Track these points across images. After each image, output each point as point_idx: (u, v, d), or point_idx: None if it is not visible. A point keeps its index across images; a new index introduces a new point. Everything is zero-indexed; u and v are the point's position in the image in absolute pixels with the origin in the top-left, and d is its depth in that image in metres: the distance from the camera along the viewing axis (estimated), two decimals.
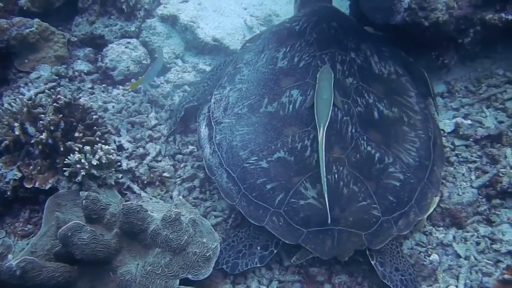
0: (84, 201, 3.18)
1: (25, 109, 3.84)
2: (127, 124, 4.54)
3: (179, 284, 3.07)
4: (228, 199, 3.60)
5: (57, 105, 3.82)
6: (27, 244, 3.52)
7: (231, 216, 3.85)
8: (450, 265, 3.56)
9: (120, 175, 4.00)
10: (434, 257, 3.57)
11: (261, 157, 3.56)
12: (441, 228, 3.79)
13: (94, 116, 4.08)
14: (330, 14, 4.36)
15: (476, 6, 4.15)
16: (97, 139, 3.94)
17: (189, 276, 3.11)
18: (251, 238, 3.55)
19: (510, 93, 4.37)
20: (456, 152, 4.15)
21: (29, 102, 3.89)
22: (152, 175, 4.11)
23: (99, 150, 3.77)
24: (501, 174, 3.85)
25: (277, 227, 3.38)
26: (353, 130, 3.59)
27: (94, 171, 3.74)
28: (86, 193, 3.23)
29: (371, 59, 4.04)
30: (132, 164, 4.13)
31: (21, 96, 4.31)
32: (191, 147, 4.37)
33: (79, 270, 3.04)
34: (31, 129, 3.81)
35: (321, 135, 3.36)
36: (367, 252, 3.41)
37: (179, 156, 4.36)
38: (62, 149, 3.76)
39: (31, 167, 3.81)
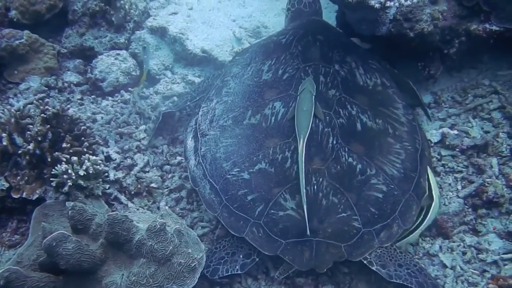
0: (70, 211, 3.18)
1: (13, 120, 3.84)
2: (115, 135, 4.55)
3: None
4: (210, 210, 3.63)
5: (45, 115, 3.82)
6: (14, 254, 3.51)
7: (218, 227, 3.86)
8: (436, 275, 3.57)
9: (108, 186, 4.01)
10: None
11: (243, 168, 3.59)
12: (428, 238, 3.81)
13: (82, 127, 4.08)
14: (317, 27, 4.41)
15: (461, 17, 4.22)
16: (85, 149, 3.94)
17: (174, 287, 3.09)
18: (234, 247, 3.56)
19: (496, 103, 4.43)
20: (443, 162, 4.19)
21: (17, 112, 3.90)
22: (139, 186, 4.12)
23: (86, 161, 3.78)
24: (487, 184, 3.88)
25: (256, 238, 3.41)
26: (334, 142, 3.60)
27: (81, 182, 3.74)
28: (72, 203, 3.21)
29: (356, 71, 4.05)
30: (120, 174, 4.14)
31: (9, 107, 4.32)
32: (179, 158, 4.38)
33: (64, 280, 3.02)
34: (19, 140, 3.80)
35: (301, 146, 3.39)
36: (365, 262, 3.39)
37: (167, 167, 4.37)
38: (49, 159, 3.76)
39: (18, 177, 3.81)
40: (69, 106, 4.42)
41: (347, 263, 3.56)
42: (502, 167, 4.03)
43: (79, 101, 4.97)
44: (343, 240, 3.34)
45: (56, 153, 3.77)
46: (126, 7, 5.35)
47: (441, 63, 4.50)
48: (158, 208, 4.04)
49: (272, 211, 3.41)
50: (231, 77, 4.22)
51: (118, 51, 5.26)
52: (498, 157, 4.08)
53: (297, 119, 3.56)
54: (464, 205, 3.88)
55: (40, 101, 4.01)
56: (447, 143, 4.23)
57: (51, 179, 3.73)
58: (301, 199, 3.30)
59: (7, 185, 3.81)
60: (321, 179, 3.44)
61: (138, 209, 3.94)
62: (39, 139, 3.76)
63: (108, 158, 4.26)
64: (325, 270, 3.32)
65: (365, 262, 3.38)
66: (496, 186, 3.84)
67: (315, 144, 3.57)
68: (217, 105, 4.03)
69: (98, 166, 3.85)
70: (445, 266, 3.64)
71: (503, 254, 3.64)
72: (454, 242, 3.77)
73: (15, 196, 3.79)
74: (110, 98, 5.04)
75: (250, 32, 5.77)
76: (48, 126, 3.82)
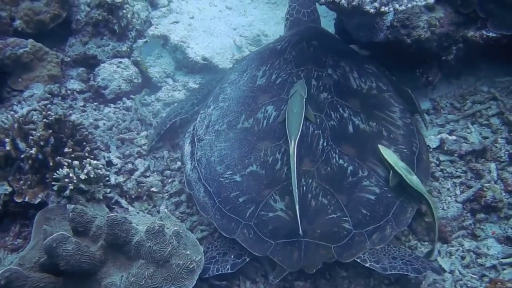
0: (70, 213, 3.22)
1: (16, 125, 3.90)
2: (117, 141, 4.61)
3: None
4: (204, 212, 3.69)
5: (47, 121, 3.89)
6: (16, 258, 3.55)
7: (217, 231, 3.86)
8: (434, 279, 3.57)
9: (109, 190, 4.05)
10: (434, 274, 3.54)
11: (235, 171, 3.65)
12: (426, 243, 3.82)
13: (84, 132, 4.15)
14: (312, 34, 4.46)
15: (458, 24, 4.28)
16: (86, 154, 3.99)
17: None
18: (226, 247, 3.60)
19: (495, 109, 4.46)
20: (441, 167, 4.21)
21: (20, 118, 3.96)
22: (140, 190, 4.17)
23: (87, 165, 3.83)
24: (485, 189, 3.90)
25: (247, 239, 3.44)
26: (325, 144, 3.63)
27: (82, 186, 3.79)
28: (73, 205, 3.26)
29: (349, 75, 4.07)
30: (121, 179, 4.19)
31: (12, 113, 4.39)
32: (179, 163, 4.42)
33: (64, 281, 3.05)
34: (22, 145, 3.86)
35: (293, 148, 3.43)
36: (358, 260, 3.40)
37: (167, 172, 4.42)
38: (51, 164, 3.82)
39: (21, 181, 3.85)
40: (71, 112, 4.47)
41: (344, 266, 3.60)
42: (500, 172, 4.06)
43: (81, 108, 5.04)
44: (333, 241, 3.36)
45: (58, 157, 3.83)
46: (128, 16, 5.42)
47: (439, 70, 4.55)
48: (158, 212, 4.08)
49: (263, 212, 3.45)
50: (228, 83, 4.29)
51: (120, 59, 5.33)
52: (497, 162, 4.11)
53: (288, 122, 3.60)
54: (462, 210, 3.90)
55: (43, 107, 4.06)
56: (445, 148, 4.25)
57: (53, 183, 3.77)
58: (292, 200, 3.34)
59: (10, 189, 3.86)
60: (310, 180, 3.48)
61: (138, 213, 3.98)
62: (42, 144, 3.81)
63: (109, 163, 4.32)
64: (314, 270, 3.32)
65: (358, 260, 3.39)
66: (494, 191, 3.86)
67: (305, 146, 3.61)
68: (214, 110, 4.10)
69: (99, 171, 3.90)
70: (443, 270, 3.63)
71: (502, 258, 3.65)
72: (453, 246, 3.78)
73: (18, 200, 3.83)
74: (112, 105, 5.10)
75: (250, 40, 5.84)
76: (51, 131, 3.88)
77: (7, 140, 3.84)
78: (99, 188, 3.94)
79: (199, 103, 4.60)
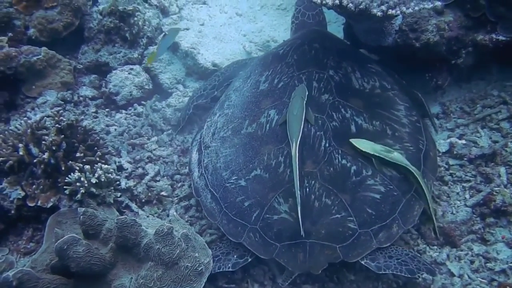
0: (81, 216, 3.26)
1: (29, 131, 3.97)
2: (127, 146, 4.67)
3: None
4: (211, 218, 3.73)
5: (60, 126, 3.95)
6: (28, 261, 3.60)
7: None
8: (443, 283, 3.56)
9: (119, 194, 4.10)
10: (427, 275, 3.53)
11: (240, 176, 3.68)
12: (435, 247, 3.80)
13: (96, 137, 4.22)
14: (314, 36, 4.47)
15: (467, 28, 4.27)
16: (98, 159, 4.05)
17: None
18: (230, 248, 3.64)
19: (505, 113, 4.43)
20: (451, 171, 4.19)
21: (34, 124, 4.03)
22: (150, 194, 4.21)
23: (98, 169, 3.88)
24: (495, 193, 3.87)
25: (253, 243, 3.47)
26: (327, 145, 3.64)
27: (93, 189, 3.84)
28: (84, 208, 3.31)
29: (351, 75, 4.07)
30: (131, 183, 4.24)
31: (25, 119, 4.47)
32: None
33: (75, 283, 3.11)
34: (34, 150, 3.92)
35: (294, 150, 3.45)
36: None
37: (177, 177, 4.46)
38: (63, 168, 3.88)
39: (34, 186, 3.92)
40: (82, 117, 4.53)
41: (353, 270, 3.62)
42: (510, 176, 4.02)
43: (93, 114, 5.11)
44: (338, 241, 3.36)
45: (70, 162, 3.89)
46: (140, 23, 5.50)
47: (449, 74, 4.53)
48: (168, 215, 4.11)
49: (267, 215, 3.47)
50: (233, 91, 4.35)
51: (131, 66, 5.40)
52: (507, 167, 4.07)
53: (288, 124, 3.62)
54: (472, 214, 3.88)
55: (55, 112, 4.13)
56: (455, 152, 4.23)
57: (64, 187, 3.84)
58: (294, 202, 3.37)
59: (23, 193, 3.92)
60: (313, 182, 3.49)
61: (148, 216, 4.01)
62: (54, 148, 3.88)
63: (120, 168, 4.37)
64: (320, 271, 3.33)
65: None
66: (504, 195, 3.83)
67: (307, 147, 3.63)
68: (219, 118, 4.15)
69: (110, 175, 3.96)
70: (452, 274, 3.62)
71: (511, 263, 3.62)
72: (462, 250, 3.75)
73: (31, 204, 3.90)
74: (123, 111, 5.17)
75: (260, 46, 5.88)
76: (63, 136, 3.94)
77: (20, 145, 3.91)
78: (110, 192, 4.00)
79: (219, 86, 4.74)
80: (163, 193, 4.24)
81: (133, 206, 4.12)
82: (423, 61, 4.41)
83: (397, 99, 4.08)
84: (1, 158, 3.90)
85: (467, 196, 4.01)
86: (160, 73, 5.45)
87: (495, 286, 3.50)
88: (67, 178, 3.81)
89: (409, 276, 3.37)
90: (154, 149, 4.66)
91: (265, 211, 3.48)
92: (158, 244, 3.14)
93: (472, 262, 3.68)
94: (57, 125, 3.96)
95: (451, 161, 4.24)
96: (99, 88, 5.40)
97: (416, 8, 3.36)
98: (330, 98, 3.89)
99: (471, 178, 4.12)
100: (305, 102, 3.73)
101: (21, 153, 3.89)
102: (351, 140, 3.63)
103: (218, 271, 3.49)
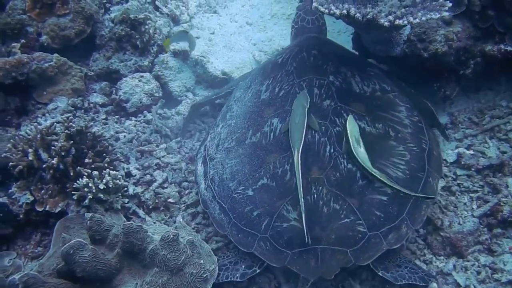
0: (88, 222, 3.30)
1: (39, 136, 4.02)
2: (136, 153, 4.70)
3: None
4: (220, 229, 3.74)
5: (69, 132, 4.00)
6: (36, 265, 3.64)
7: (232, 242, 3.90)
8: None
9: (127, 200, 4.13)
10: (433, 285, 3.52)
11: (247, 186, 3.68)
12: (442, 257, 3.79)
13: (105, 144, 4.26)
14: (312, 43, 4.48)
15: (476, 38, 4.27)
16: (106, 165, 4.09)
17: None
18: (238, 258, 3.66)
19: None
20: (458, 181, 4.17)
21: (43, 130, 4.08)
22: (157, 201, 4.23)
23: (106, 175, 3.92)
24: (502, 204, 3.85)
25: (264, 252, 3.48)
26: (332, 150, 3.65)
27: (101, 195, 3.88)
28: (91, 214, 3.35)
29: (351, 80, 4.08)
30: (139, 189, 4.27)
31: (35, 124, 4.53)
32: None
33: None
34: (44, 155, 3.97)
35: (296, 157, 3.45)
36: (371, 265, 3.43)
37: (185, 184, 4.47)
38: (72, 174, 3.92)
39: (42, 191, 3.96)
40: (92, 124, 4.57)
41: (358, 279, 3.62)
42: None
43: (103, 120, 5.14)
44: (348, 245, 3.37)
45: (79, 167, 3.93)
46: (151, 31, 5.54)
47: (457, 84, 4.52)
48: (175, 222, 4.11)
49: (277, 223, 3.48)
50: (234, 101, 4.36)
51: (142, 74, 5.43)
52: None
53: (291, 132, 3.63)
54: (479, 225, 3.85)
55: (65, 118, 4.18)
56: (462, 162, 4.22)
57: (73, 192, 3.88)
58: (298, 209, 3.39)
59: (32, 198, 3.97)
60: (320, 188, 3.50)
61: (155, 223, 4.04)
62: (63, 154, 3.92)
63: (128, 174, 4.41)
64: (332, 276, 3.34)
65: (371, 265, 3.45)
66: (511, 206, 3.81)
67: (312, 154, 3.64)
68: (222, 129, 4.16)
69: (118, 181, 4.00)
70: (459, 285, 3.60)
71: None
72: (468, 261, 3.73)
73: (39, 209, 3.94)
74: (133, 118, 5.19)
75: (269, 55, 5.88)
76: (72, 142, 3.99)
77: (30, 150, 3.95)
78: (118, 198, 4.04)
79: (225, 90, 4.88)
80: (170, 200, 4.26)
81: (140, 212, 4.15)
82: (431, 71, 4.40)
83: (398, 101, 4.10)
84: (11, 163, 3.96)
85: (474, 206, 3.99)
86: (170, 81, 5.48)
87: None
88: (75, 183, 3.85)
89: (423, 284, 3.43)
90: (162, 156, 4.69)
91: (274, 220, 3.49)
92: (163, 250, 3.16)
93: (478, 273, 3.66)
94: (66, 131, 4.01)
95: (459, 171, 4.23)
96: (110, 95, 5.44)
97: (424, 18, 3.36)
98: (332, 104, 3.90)
99: (479, 189, 4.10)
100: (307, 109, 3.74)
101: (30, 158, 3.94)
102: (348, 117, 3.70)
103: (226, 280, 3.51)
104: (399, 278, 3.42)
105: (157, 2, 6.12)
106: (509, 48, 4.18)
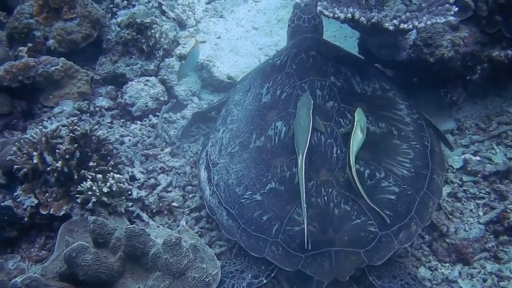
0: (91, 225, 3.30)
1: (44, 139, 4.02)
2: (141, 156, 4.70)
3: None
4: (229, 235, 3.71)
5: (74, 135, 4.00)
6: (39, 269, 3.64)
7: (235, 246, 3.91)
8: None
9: (130, 204, 4.12)
10: None
11: (254, 190, 3.67)
12: (447, 264, 3.76)
13: (109, 147, 4.26)
14: (309, 44, 4.48)
15: (483, 44, 4.24)
16: (110, 168, 4.09)
17: None
18: (244, 266, 3.64)
19: None
20: (464, 188, 4.14)
21: (49, 133, 4.09)
22: (161, 204, 4.23)
23: (110, 179, 3.92)
24: (508, 210, 3.82)
25: (277, 256, 3.45)
26: (338, 151, 3.65)
27: (104, 199, 3.88)
28: (94, 217, 3.35)
29: (352, 80, 4.10)
30: (143, 193, 4.26)
31: (40, 127, 4.55)
32: None
33: None
34: (49, 159, 3.97)
35: (301, 161, 3.45)
36: (365, 269, 3.44)
37: (189, 188, 4.47)
38: (76, 177, 3.92)
39: (47, 194, 3.97)
40: (96, 127, 4.58)
41: (362, 285, 3.58)
42: None
43: (108, 124, 5.15)
44: (361, 246, 3.36)
45: (83, 171, 3.93)
46: (157, 36, 5.55)
47: (464, 90, 4.49)
48: (178, 226, 4.11)
49: (288, 227, 3.45)
50: (233, 105, 4.35)
51: (147, 78, 5.44)
52: None
53: (296, 135, 3.62)
54: (485, 231, 3.82)
55: (70, 122, 4.19)
56: (469, 169, 4.19)
57: (77, 195, 3.88)
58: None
59: (36, 201, 3.98)
60: (330, 190, 3.50)
61: (158, 227, 4.03)
62: (67, 157, 3.92)
63: (132, 178, 4.40)
64: (347, 278, 3.32)
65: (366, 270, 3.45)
66: None
67: (320, 156, 3.64)
68: (224, 134, 4.15)
69: (122, 184, 3.99)
70: None
71: None
72: (474, 268, 3.69)
73: (43, 212, 3.95)
74: (138, 122, 5.19)
75: None
76: (76, 145, 3.99)
77: (35, 153, 3.96)
78: (121, 202, 4.03)
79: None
80: (174, 203, 4.25)
81: (144, 216, 4.14)
82: (438, 77, 4.38)
83: (398, 99, 4.12)
84: (16, 166, 3.97)
85: (481, 213, 3.96)
86: (176, 85, 5.48)
87: None
88: (79, 186, 3.85)
89: None
90: (167, 160, 4.68)
91: (285, 223, 3.47)
92: (166, 254, 3.15)
93: (484, 280, 3.62)
94: (71, 134, 4.01)
95: (465, 178, 4.19)
96: (115, 99, 5.45)
97: (429, 22, 3.34)
98: (335, 105, 3.91)
99: (485, 195, 4.07)
100: (311, 111, 3.73)
101: (35, 161, 3.94)
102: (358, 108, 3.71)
103: None
104: None
105: (163, 7, 6.16)
106: None
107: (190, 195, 4.41)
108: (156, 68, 5.62)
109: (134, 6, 5.87)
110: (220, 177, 3.91)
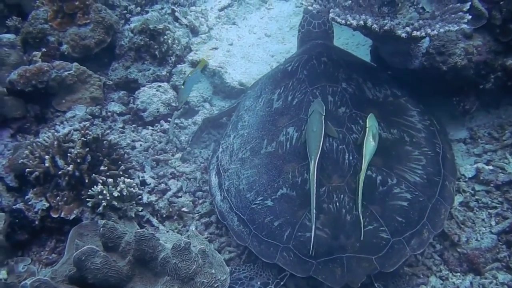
0: (101, 229, 3.30)
1: (55, 143, 4.05)
2: (152, 162, 4.72)
3: None
4: (240, 241, 3.71)
5: (85, 139, 4.03)
6: (49, 272, 3.65)
7: (245, 252, 3.90)
8: None
9: (141, 208, 4.13)
10: None
11: (266, 196, 3.66)
12: (458, 274, 3.72)
13: (121, 152, 4.28)
14: (320, 50, 4.47)
15: (497, 52, 4.20)
16: (121, 173, 4.11)
17: None
18: (253, 273, 3.64)
19: None
20: (476, 197, 4.09)
21: (61, 137, 4.12)
22: (171, 210, 4.24)
23: (121, 183, 3.93)
24: None
25: (288, 262, 3.43)
26: (350, 158, 3.65)
27: (115, 203, 3.89)
28: (104, 221, 3.35)
29: (363, 86, 4.09)
30: (153, 198, 4.28)
31: (53, 131, 4.58)
32: None
33: None
34: (60, 162, 4.00)
35: (312, 167, 3.44)
36: (371, 276, 3.40)
37: (199, 193, 4.47)
38: (87, 181, 3.95)
39: (58, 197, 3.99)
40: (108, 132, 4.61)
41: None
42: None
43: (120, 129, 5.19)
44: (373, 252, 3.35)
45: (94, 175, 3.95)
46: (169, 42, 5.59)
47: (477, 99, 4.44)
48: (188, 231, 4.10)
49: (299, 233, 3.44)
50: (244, 110, 4.36)
51: (159, 83, 5.47)
52: None
53: (308, 141, 3.62)
54: (497, 241, 3.78)
55: (82, 126, 4.21)
56: (481, 178, 4.14)
57: (87, 199, 3.89)
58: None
59: (47, 205, 4.01)
60: (342, 196, 3.49)
61: (168, 232, 4.03)
62: (79, 161, 3.95)
63: (143, 183, 4.42)
64: (359, 284, 3.30)
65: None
66: None
67: (332, 162, 3.63)
68: (235, 139, 4.16)
69: (132, 189, 4.01)
70: None
71: None
72: (486, 278, 3.64)
73: (54, 215, 3.98)
74: (150, 127, 5.22)
75: None
76: (88, 149, 4.02)
77: (46, 157, 3.99)
78: (132, 206, 4.04)
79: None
80: (184, 209, 4.26)
81: (154, 220, 4.15)
82: (451, 85, 4.34)
83: (409, 105, 4.11)
84: (28, 169, 4.00)
85: (493, 223, 3.92)
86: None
87: None
88: (90, 190, 3.87)
89: None
90: (178, 166, 4.69)
91: (296, 229, 3.46)
92: (174, 259, 3.14)
93: None
94: (82, 138, 4.04)
95: (477, 187, 4.15)
96: (127, 104, 5.50)
97: (442, 30, 3.33)
98: (347, 111, 3.91)
99: (498, 205, 4.02)
100: (323, 116, 3.72)
101: (47, 164, 3.98)
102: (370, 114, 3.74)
103: None
104: None
105: (176, 13, 6.21)
106: None
107: (200, 201, 4.41)
108: (168, 74, 5.66)
109: (147, 12, 5.94)
110: (231, 183, 3.91)
